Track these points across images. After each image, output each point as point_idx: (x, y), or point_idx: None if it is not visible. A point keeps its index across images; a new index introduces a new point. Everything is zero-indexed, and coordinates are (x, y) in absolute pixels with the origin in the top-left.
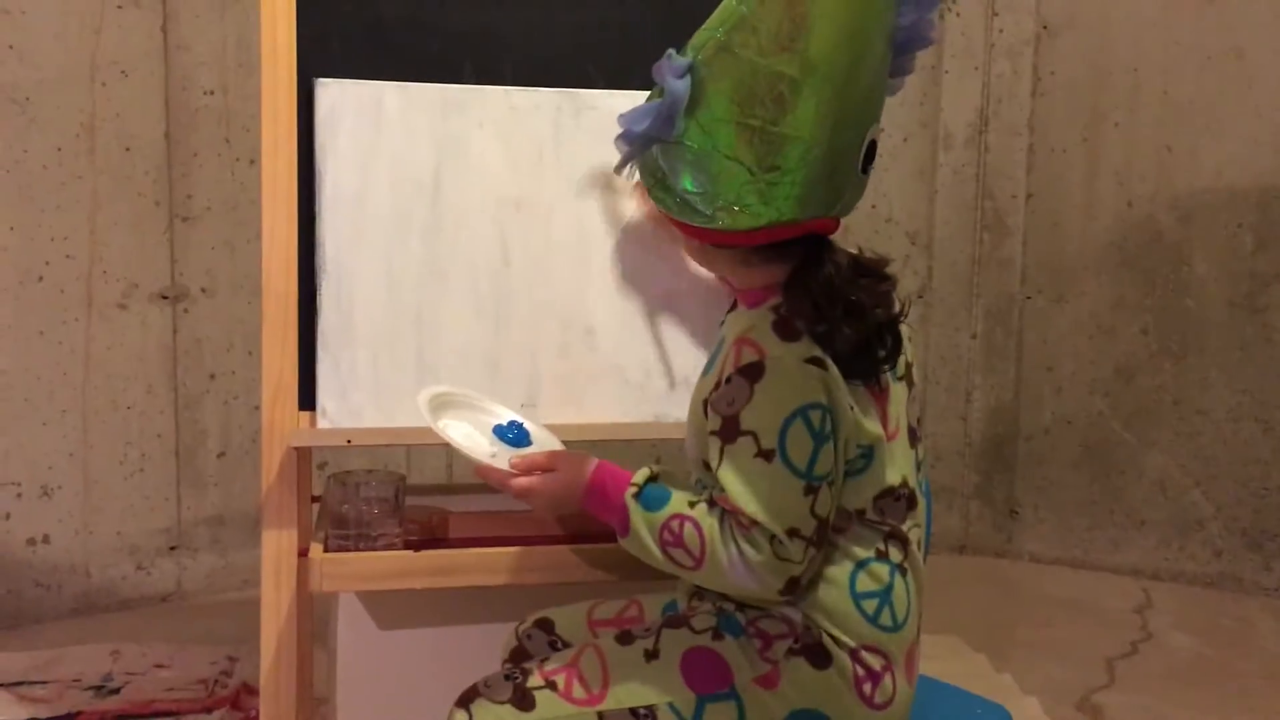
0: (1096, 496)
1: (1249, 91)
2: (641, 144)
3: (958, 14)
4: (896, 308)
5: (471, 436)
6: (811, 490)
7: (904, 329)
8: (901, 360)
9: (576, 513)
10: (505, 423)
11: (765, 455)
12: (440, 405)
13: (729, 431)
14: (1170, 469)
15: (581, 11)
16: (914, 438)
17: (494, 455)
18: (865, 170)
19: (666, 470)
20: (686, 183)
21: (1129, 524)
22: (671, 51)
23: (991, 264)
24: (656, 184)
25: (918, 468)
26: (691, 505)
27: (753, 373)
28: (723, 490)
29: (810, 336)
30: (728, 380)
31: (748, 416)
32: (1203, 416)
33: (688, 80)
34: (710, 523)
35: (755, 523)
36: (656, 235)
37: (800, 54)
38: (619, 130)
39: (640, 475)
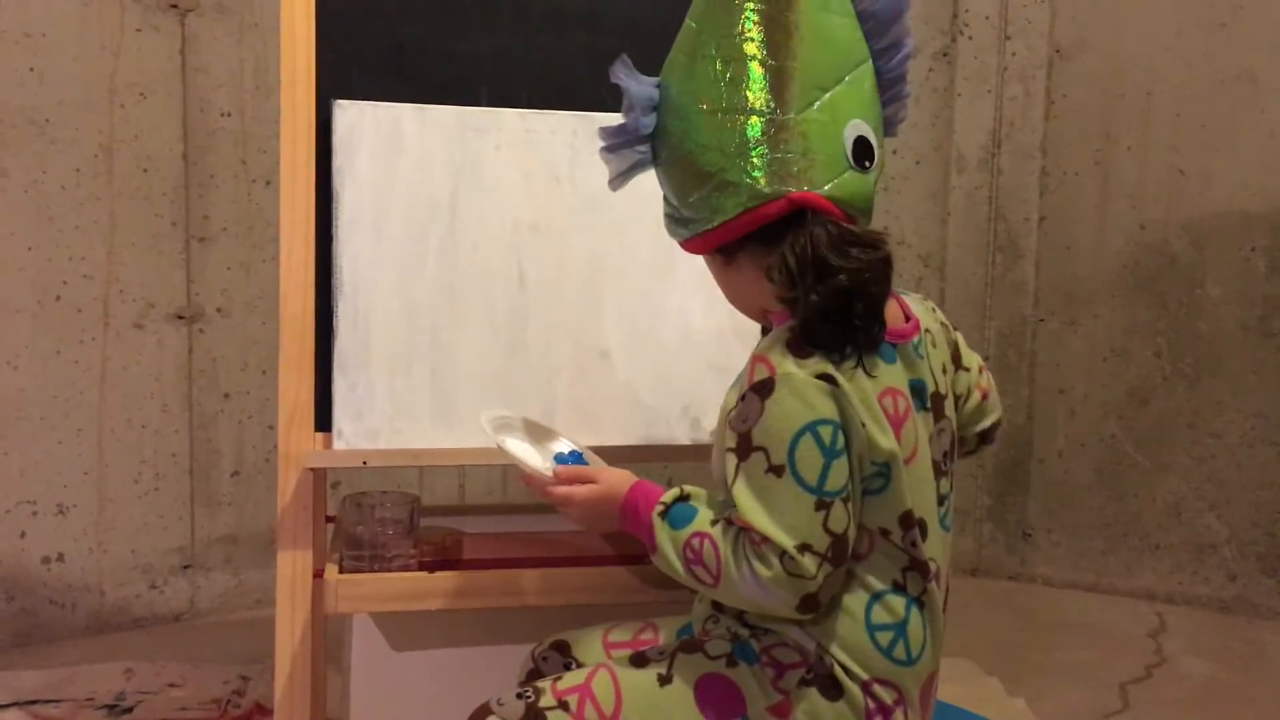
0: (1110, 520)
1: (1262, 115)
2: (620, 146)
3: (970, 37)
4: (877, 280)
5: (528, 453)
6: (823, 505)
7: (937, 357)
8: (927, 390)
9: (615, 530)
10: (567, 452)
11: (775, 470)
12: (502, 426)
13: (743, 448)
14: (1184, 492)
15: (596, 37)
16: (938, 470)
17: (547, 468)
18: (861, 165)
19: (698, 491)
20: (683, 192)
21: (1143, 547)
22: (624, 56)
23: (1004, 286)
24: (667, 216)
25: (940, 501)
26: (713, 524)
27: (763, 389)
28: (737, 508)
29: (793, 314)
30: (742, 398)
31: (758, 433)
32: (1217, 440)
33: (651, 82)
34: (725, 540)
35: (766, 539)
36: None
37: (735, 34)
38: (601, 144)
39: (669, 495)
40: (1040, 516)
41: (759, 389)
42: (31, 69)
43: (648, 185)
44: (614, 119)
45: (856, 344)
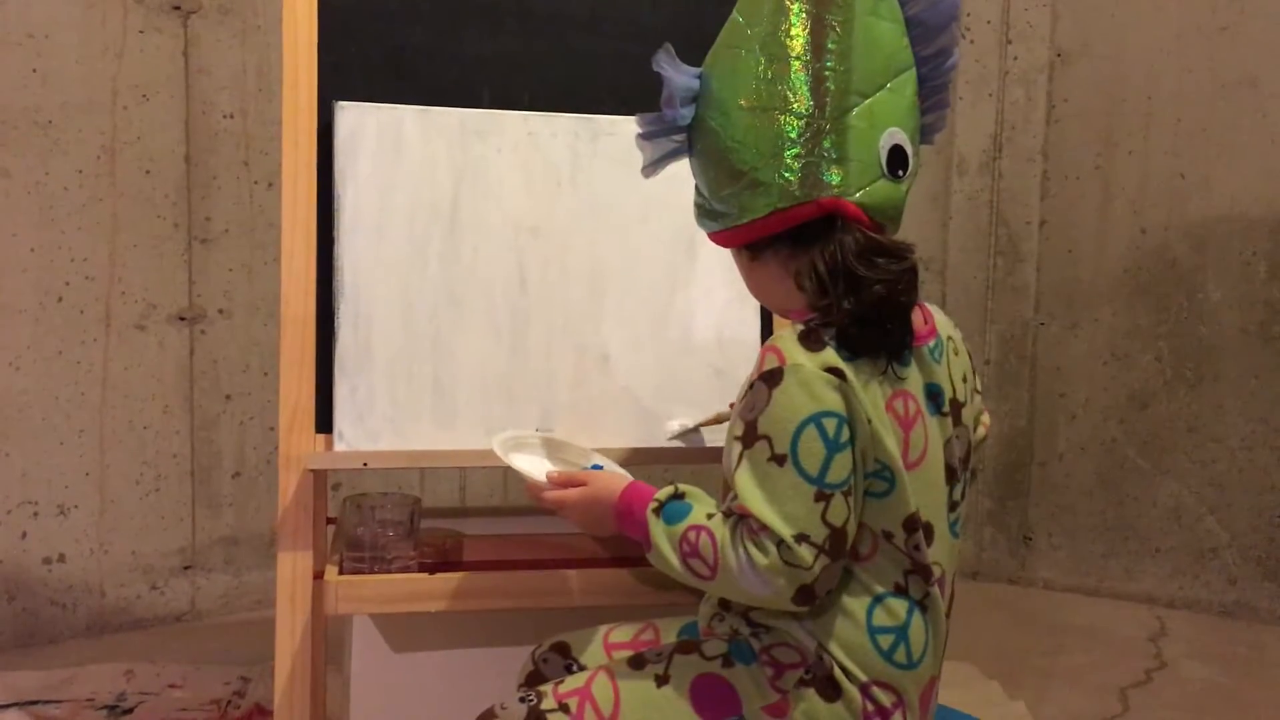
0: (1110, 523)
1: (1263, 120)
2: (657, 135)
3: (972, 41)
4: (905, 290)
5: (533, 464)
6: (823, 497)
7: (959, 364)
8: (944, 395)
9: (613, 534)
10: (589, 466)
11: (778, 459)
12: (516, 445)
13: (748, 436)
14: (1184, 496)
15: (598, 41)
16: (951, 475)
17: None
18: (894, 173)
19: (694, 490)
20: (715, 186)
21: (1143, 551)
22: (668, 44)
23: (1005, 290)
24: (698, 206)
25: (951, 507)
26: (709, 517)
27: (772, 379)
28: (738, 495)
29: (824, 321)
30: (750, 387)
31: (764, 421)
32: (1217, 444)
33: (692, 72)
34: (723, 530)
35: (764, 526)
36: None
37: (780, 32)
38: (639, 131)
39: (664, 492)
40: (1041, 520)
41: (767, 378)
42: (34, 70)
43: (650, 189)
44: (620, 121)
45: (889, 350)
